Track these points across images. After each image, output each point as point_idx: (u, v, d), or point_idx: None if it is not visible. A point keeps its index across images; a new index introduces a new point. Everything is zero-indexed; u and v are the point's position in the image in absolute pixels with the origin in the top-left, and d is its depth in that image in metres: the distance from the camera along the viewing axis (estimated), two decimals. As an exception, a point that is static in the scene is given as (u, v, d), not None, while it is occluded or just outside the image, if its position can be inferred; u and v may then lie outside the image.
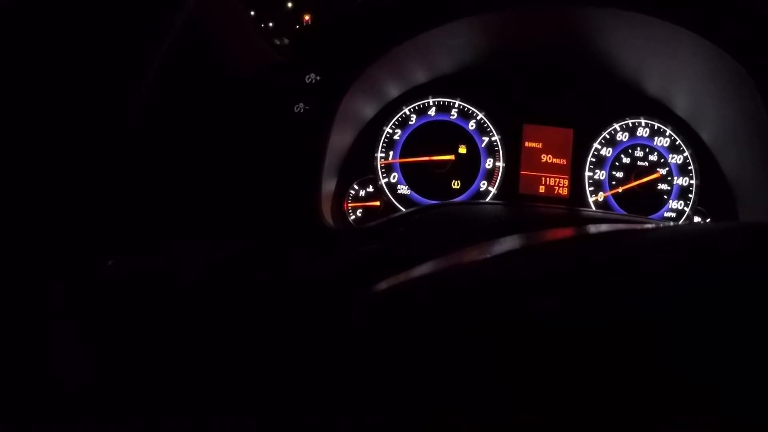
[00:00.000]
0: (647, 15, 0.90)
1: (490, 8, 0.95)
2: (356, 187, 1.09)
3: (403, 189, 1.09)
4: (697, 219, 1.09)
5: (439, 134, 1.09)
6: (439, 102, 1.09)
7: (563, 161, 1.08)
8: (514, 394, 0.35)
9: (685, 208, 1.08)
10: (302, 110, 0.92)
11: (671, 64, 1.00)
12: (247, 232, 0.85)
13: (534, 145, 1.09)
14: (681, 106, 1.08)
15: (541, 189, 1.09)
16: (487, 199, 1.09)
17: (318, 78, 0.90)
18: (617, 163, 1.09)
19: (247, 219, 0.88)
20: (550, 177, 1.09)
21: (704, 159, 1.08)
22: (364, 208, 1.09)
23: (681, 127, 1.09)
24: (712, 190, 1.08)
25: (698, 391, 0.32)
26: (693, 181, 1.08)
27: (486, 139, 1.09)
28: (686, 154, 1.08)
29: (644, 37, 0.95)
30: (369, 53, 0.95)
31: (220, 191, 0.89)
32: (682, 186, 1.08)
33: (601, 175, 1.09)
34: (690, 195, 1.08)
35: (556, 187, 1.09)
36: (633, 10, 0.91)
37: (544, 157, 1.09)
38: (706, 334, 0.33)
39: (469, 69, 1.09)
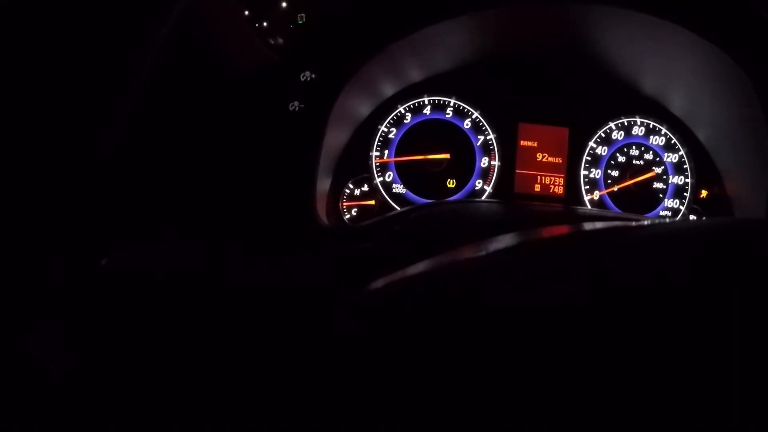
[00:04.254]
0: (644, 13, 0.91)
1: (485, 6, 0.95)
2: (351, 186, 1.09)
3: (399, 188, 1.09)
4: (692, 217, 1.09)
5: (434, 133, 1.09)
6: (434, 101, 1.09)
7: (559, 160, 1.09)
8: (510, 390, 0.35)
9: (681, 207, 1.08)
10: (297, 108, 0.91)
11: (668, 62, 1.00)
12: (241, 230, 0.85)
13: (529, 143, 1.09)
14: (677, 105, 1.08)
15: (537, 188, 1.09)
16: (482, 198, 1.09)
17: (313, 76, 0.90)
18: (613, 162, 1.09)
19: (241, 218, 0.88)
20: (545, 176, 1.09)
21: (700, 158, 1.08)
22: (359, 206, 1.09)
23: (676, 125, 1.09)
24: (708, 189, 1.08)
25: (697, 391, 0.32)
26: (688, 180, 1.08)
27: (481, 137, 1.09)
28: (682, 152, 1.08)
29: (641, 35, 0.95)
30: (364, 51, 0.95)
31: (214, 189, 0.89)
32: (677, 185, 1.08)
33: (596, 173, 1.09)
34: (685, 194, 1.08)
35: (552, 186, 1.09)
36: (630, 8, 0.91)
37: (540, 156, 1.09)
38: (703, 334, 0.33)
39: (465, 67, 1.09)
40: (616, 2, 0.91)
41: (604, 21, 0.97)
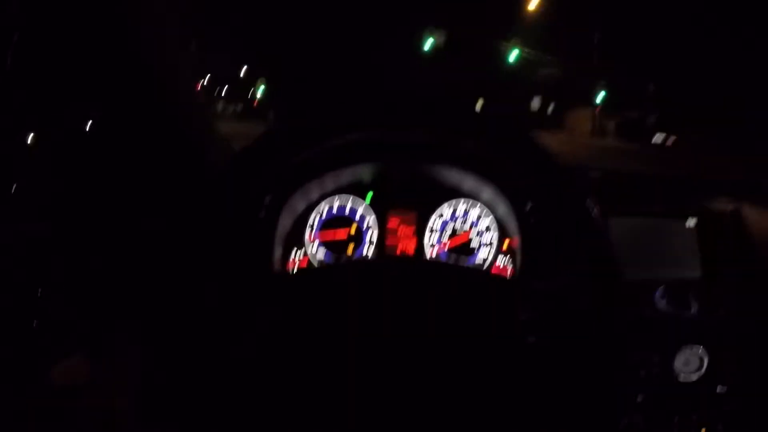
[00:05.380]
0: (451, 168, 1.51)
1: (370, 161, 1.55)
2: (296, 252, 1.66)
3: (321, 254, 1.61)
4: (498, 261, 1.61)
5: (340, 219, 1.60)
6: (341, 201, 1.60)
7: (411, 231, 1.61)
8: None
9: (491, 255, 1.59)
10: (263, 213, 1.48)
11: (477, 182, 1.54)
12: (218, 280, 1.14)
13: (394, 223, 1.61)
14: (483, 197, 1.64)
15: (399, 250, 1.61)
16: (366, 257, 1.60)
17: (270, 197, 1.48)
18: (444, 230, 1.60)
19: (219, 276, 1.15)
20: (403, 242, 1.61)
21: (500, 225, 1.58)
22: (300, 266, 1.67)
23: (485, 206, 1.59)
24: (507, 243, 1.65)
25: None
26: (494, 238, 1.59)
27: (366, 221, 1.61)
28: (487, 222, 1.60)
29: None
30: (300, 182, 1.54)
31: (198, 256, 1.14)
32: (486, 242, 1.60)
33: (434, 238, 1.61)
34: (492, 247, 1.60)
35: (408, 248, 1.61)
36: (456, 168, 1.50)
37: (400, 230, 1.61)
38: None
39: (359, 182, 1.60)
40: (445, 162, 1.52)
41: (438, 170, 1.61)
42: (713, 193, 1.85)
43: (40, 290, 1.34)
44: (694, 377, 1.56)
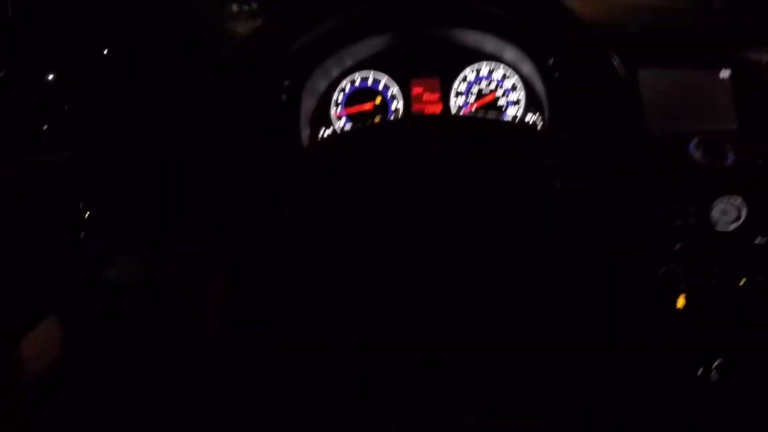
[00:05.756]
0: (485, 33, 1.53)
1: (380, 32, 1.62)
2: (324, 131, 1.70)
3: (348, 128, 1.71)
4: (527, 118, 1.61)
5: (364, 93, 1.63)
6: (362, 75, 1.62)
7: (436, 96, 1.62)
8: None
9: (518, 113, 1.62)
10: (284, 96, 1.55)
11: (498, 42, 1.60)
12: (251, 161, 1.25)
13: (418, 90, 1.62)
14: (507, 57, 1.65)
15: None
16: None
17: (289, 82, 1.55)
18: (470, 92, 1.61)
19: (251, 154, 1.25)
20: (429, 108, 1.61)
21: (527, 84, 1.60)
22: None
23: (509, 65, 1.60)
24: (533, 101, 1.67)
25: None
26: (521, 96, 1.60)
27: (390, 91, 1.62)
28: (513, 81, 1.59)
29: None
30: (317, 61, 1.58)
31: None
32: (513, 100, 1.61)
33: (460, 101, 1.62)
34: (520, 103, 1.62)
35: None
36: (476, 30, 1.51)
37: (425, 96, 1.62)
38: None
39: (378, 54, 1.67)
40: (466, 25, 1.54)
41: (461, 34, 1.62)
42: (748, 43, 1.77)
43: (82, 203, 1.40)
44: (732, 227, 1.55)
